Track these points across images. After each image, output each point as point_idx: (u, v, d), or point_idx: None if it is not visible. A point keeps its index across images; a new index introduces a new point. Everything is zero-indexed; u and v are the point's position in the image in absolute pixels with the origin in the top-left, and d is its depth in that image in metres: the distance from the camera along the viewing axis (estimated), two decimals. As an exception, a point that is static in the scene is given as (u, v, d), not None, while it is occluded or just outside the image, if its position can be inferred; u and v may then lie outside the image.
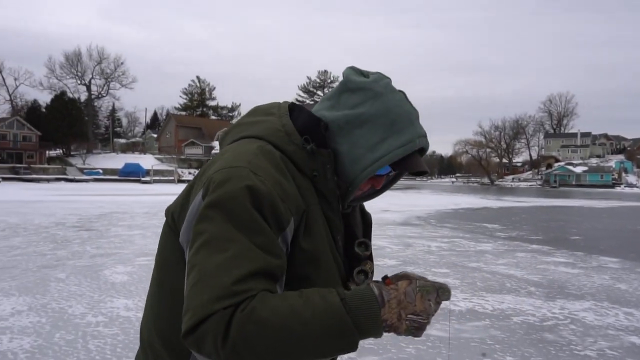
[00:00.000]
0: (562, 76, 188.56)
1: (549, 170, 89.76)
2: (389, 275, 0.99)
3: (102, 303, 5.54)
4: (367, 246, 1.11)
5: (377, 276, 1.07)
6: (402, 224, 15.76)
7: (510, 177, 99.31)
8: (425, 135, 1.08)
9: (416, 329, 0.92)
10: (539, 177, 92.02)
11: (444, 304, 0.99)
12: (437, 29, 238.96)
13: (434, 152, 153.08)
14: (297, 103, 1.15)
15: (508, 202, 32.60)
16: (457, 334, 4.78)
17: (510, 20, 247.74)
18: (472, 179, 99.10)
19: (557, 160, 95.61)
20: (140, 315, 1.21)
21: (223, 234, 0.89)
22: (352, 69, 1.12)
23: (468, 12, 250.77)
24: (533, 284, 7.07)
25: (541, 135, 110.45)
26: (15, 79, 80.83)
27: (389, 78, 1.11)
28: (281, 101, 1.17)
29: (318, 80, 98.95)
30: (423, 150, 1.09)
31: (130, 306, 5.42)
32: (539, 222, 18.26)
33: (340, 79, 1.11)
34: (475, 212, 22.43)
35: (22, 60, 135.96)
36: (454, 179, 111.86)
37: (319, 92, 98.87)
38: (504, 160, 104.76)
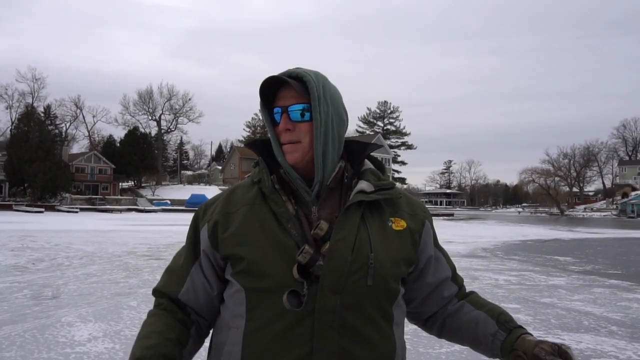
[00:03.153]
0: (633, 101, 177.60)
1: (625, 200, 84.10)
2: None
3: (171, 331, 5.68)
4: (317, 226, 1.19)
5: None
6: (467, 255, 15.28)
7: (582, 206, 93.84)
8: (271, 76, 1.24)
9: None
10: (614, 206, 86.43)
11: None
12: (493, 55, 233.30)
13: (498, 181, 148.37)
14: None
15: (580, 233, 30.81)
16: (532, 374, 4.51)
17: (569, 43, 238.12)
18: (540, 209, 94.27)
19: (634, 189, 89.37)
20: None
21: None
22: None
23: (522, 37, 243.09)
24: (614, 322, 6.60)
25: (615, 162, 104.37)
26: (93, 116, 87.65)
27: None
28: None
29: (378, 110, 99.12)
30: (272, 82, 1.22)
31: (197, 335, 5.53)
32: (617, 255, 17.04)
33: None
34: (545, 244, 21.37)
35: (99, 99, 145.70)
36: (520, 209, 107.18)
37: (379, 123, 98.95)
38: (575, 189, 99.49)
